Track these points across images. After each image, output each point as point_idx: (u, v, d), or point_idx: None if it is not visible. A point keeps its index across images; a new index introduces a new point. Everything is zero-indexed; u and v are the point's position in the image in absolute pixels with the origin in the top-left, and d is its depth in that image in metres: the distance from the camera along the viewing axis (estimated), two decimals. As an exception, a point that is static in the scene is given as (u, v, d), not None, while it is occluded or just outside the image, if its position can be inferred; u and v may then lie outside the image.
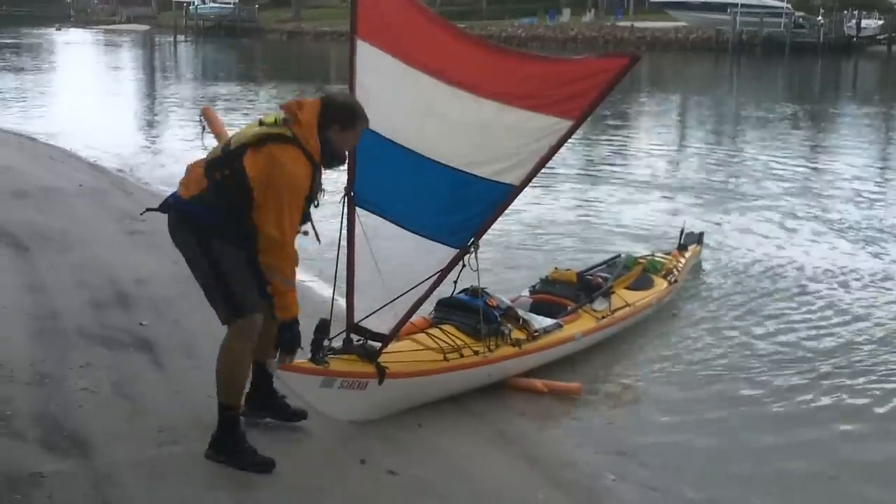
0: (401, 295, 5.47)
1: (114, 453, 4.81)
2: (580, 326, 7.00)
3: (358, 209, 5.48)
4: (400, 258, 5.63)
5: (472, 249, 5.44)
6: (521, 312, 6.59)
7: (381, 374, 5.36)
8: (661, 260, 8.79)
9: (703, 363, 7.12)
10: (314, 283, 7.79)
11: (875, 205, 13.59)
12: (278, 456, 4.83)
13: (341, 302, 5.64)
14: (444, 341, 5.92)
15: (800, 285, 9.24)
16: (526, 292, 7.55)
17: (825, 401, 6.52)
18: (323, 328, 5.20)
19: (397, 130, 5.48)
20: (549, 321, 6.77)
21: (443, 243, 5.48)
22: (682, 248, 9.49)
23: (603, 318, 7.24)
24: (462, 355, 5.92)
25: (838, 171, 16.51)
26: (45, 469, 4.56)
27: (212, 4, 77.98)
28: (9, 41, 58.52)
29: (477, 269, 5.48)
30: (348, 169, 5.47)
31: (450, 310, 6.24)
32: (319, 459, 5.07)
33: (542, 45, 56.82)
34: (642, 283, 8.10)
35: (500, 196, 5.33)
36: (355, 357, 5.38)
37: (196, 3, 77.78)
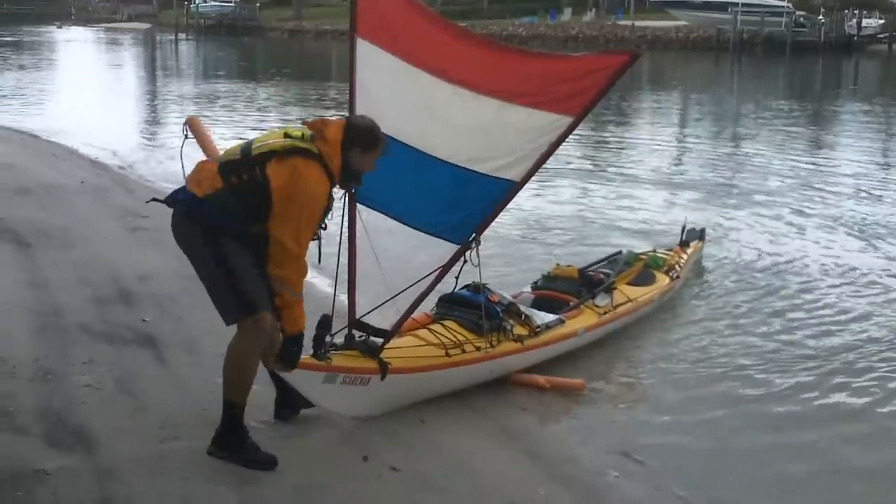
0: (402, 291, 5.48)
1: (117, 449, 4.82)
2: (582, 322, 7.00)
3: (359, 206, 5.49)
4: (401, 254, 5.65)
5: (474, 245, 5.47)
6: (522, 308, 6.60)
7: (384, 369, 5.36)
8: (663, 256, 8.79)
9: (705, 360, 7.12)
10: (316, 280, 7.75)
11: (877, 202, 13.59)
12: (281, 452, 4.83)
13: (343, 298, 5.64)
14: (447, 337, 5.92)
15: (802, 282, 9.24)
16: (528, 288, 7.55)
17: (827, 399, 6.51)
18: (325, 324, 5.21)
19: (398, 128, 5.48)
20: (551, 317, 6.77)
21: (444, 239, 5.51)
22: (683, 244, 9.49)
23: (605, 313, 7.24)
24: (464, 351, 5.92)
25: (840, 169, 16.51)
26: (49, 465, 4.57)
27: (213, 3, 77.89)
28: (11, 39, 58.52)
29: (478, 265, 5.49)
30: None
31: (452, 306, 6.25)
32: (322, 456, 5.07)
33: (543, 44, 56.74)
34: (644, 279, 8.11)
35: (500, 192, 5.36)
36: (357, 353, 5.38)
37: (197, 2, 77.69)
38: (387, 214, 5.56)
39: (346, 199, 5.47)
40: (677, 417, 6.15)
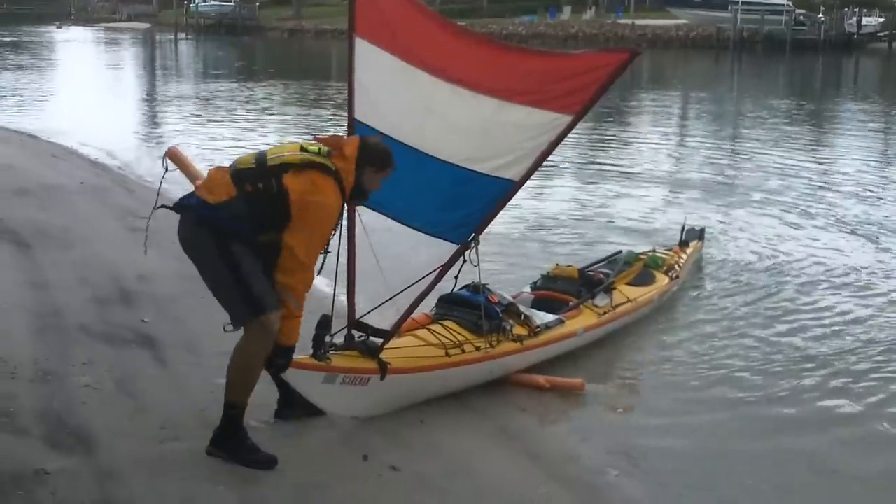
0: (402, 291, 5.49)
1: (117, 450, 4.82)
2: (582, 322, 7.01)
3: (358, 206, 5.49)
4: (401, 255, 5.66)
5: (473, 245, 5.48)
6: (522, 308, 6.60)
7: (383, 370, 5.36)
8: (663, 256, 8.79)
9: (705, 360, 7.11)
10: (315, 280, 7.78)
11: (878, 201, 13.57)
12: (281, 452, 4.84)
13: (342, 298, 5.64)
14: (446, 337, 5.93)
15: (802, 282, 9.23)
16: (527, 289, 7.55)
17: (828, 401, 6.50)
18: (324, 324, 5.21)
19: (397, 127, 5.50)
20: (550, 317, 6.77)
21: (443, 239, 5.51)
22: (683, 244, 9.50)
23: (605, 313, 7.24)
24: (464, 351, 5.92)
25: (840, 168, 16.51)
26: (49, 466, 4.57)
27: (212, 2, 77.82)
28: (10, 39, 58.50)
29: (478, 265, 5.50)
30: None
31: (451, 306, 6.25)
32: (321, 455, 5.07)
33: (543, 43, 56.74)
34: (644, 279, 8.11)
35: (500, 191, 5.37)
36: (357, 353, 5.39)
37: (197, 1, 77.66)
38: (386, 214, 5.56)
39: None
40: (677, 417, 6.14)
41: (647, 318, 7.87)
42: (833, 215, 12.43)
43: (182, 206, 4.75)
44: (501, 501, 4.84)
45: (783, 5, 58.06)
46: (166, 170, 5.09)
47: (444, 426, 5.61)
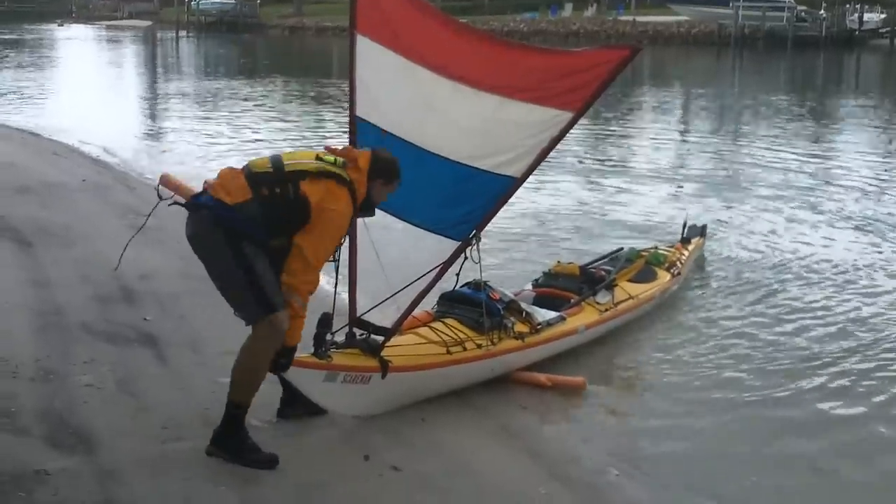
0: (403, 288, 5.49)
1: (118, 450, 4.81)
2: (583, 319, 7.00)
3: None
4: (402, 252, 5.67)
5: (474, 242, 5.48)
6: (524, 305, 6.59)
7: (385, 368, 5.36)
8: (664, 253, 8.78)
9: (707, 358, 7.11)
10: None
11: (880, 197, 13.55)
12: (282, 451, 4.84)
13: (344, 296, 5.64)
14: (447, 335, 5.92)
15: (805, 279, 9.22)
16: (529, 286, 7.54)
17: (830, 400, 6.48)
18: (325, 322, 5.21)
19: (398, 125, 5.51)
20: (552, 314, 6.77)
21: (444, 236, 5.52)
22: (685, 241, 9.49)
23: (606, 310, 7.24)
24: (465, 349, 5.91)
25: (842, 164, 16.46)
26: (50, 466, 4.56)
27: (213, 0, 77.85)
28: (11, 37, 58.50)
29: (479, 262, 5.50)
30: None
31: (452, 303, 6.24)
32: (323, 455, 5.07)
33: (545, 40, 56.68)
34: (645, 276, 8.11)
35: (501, 188, 5.37)
36: (358, 351, 5.38)
37: (198, -1, 77.71)
38: (387, 212, 5.55)
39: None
40: (678, 417, 6.13)
41: (649, 315, 7.86)
42: (835, 211, 12.41)
43: (197, 204, 4.75)
44: (502, 500, 4.83)
45: (785, 2, 57.89)
46: (160, 199, 5.03)
47: (446, 424, 5.61)
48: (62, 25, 79.90)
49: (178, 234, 4.82)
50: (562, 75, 5.24)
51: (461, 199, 5.49)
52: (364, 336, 5.51)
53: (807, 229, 11.44)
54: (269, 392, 5.19)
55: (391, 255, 5.55)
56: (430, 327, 6.01)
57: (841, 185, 14.32)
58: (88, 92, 28.33)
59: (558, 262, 7.90)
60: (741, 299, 8.55)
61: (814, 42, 56.15)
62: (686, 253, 9.10)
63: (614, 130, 20.69)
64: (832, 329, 7.79)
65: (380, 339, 5.49)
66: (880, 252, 10.43)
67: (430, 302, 6.14)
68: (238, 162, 5.16)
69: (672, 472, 5.39)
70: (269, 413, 5.29)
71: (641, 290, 7.78)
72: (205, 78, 35.43)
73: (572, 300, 7.19)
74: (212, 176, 4.88)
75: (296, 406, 5.32)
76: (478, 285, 6.14)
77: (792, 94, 31.04)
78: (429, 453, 5.21)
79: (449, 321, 6.11)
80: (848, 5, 62.51)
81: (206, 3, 77.37)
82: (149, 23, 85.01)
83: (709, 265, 9.71)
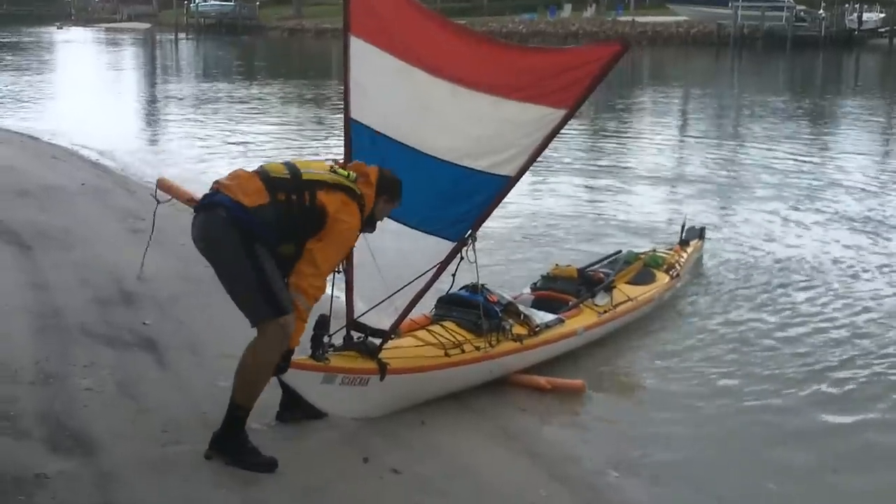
0: (400, 289, 5.50)
1: (118, 453, 4.81)
2: (582, 321, 7.01)
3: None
4: (398, 254, 5.66)
5: (470, 241, 5.49)
6: (521, 308, 6.60)
7: (383, 370, 5.36)
8: (663, 255, 8.78)
9: (706, 359, 7.12)
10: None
11: (879, 197, 13.56)
12: (281, 454, 4.84)
13: (341, 299, 5.64)
14: (446, 337, 5.92)
15: (804, 281, 9.22)
16: (527, 289, 7.55)
17: (829, 400, 6.49)
18: (322, 324, 5.21)
19: (393, 126, 5.54)
20: (550, 316, 6.77)
21: (440, 236, 5.54)
22: (683, 243, 9.49)
23: (605, 312, 7.24)
24: (463, 351, 5.92)
25: (841, 165, 16.45)
26: (50, 469, 4.56)
27: (213, 2, 77.74)
28: (10, 40, 58.51)
29: (475, 262, 5.52)
30: (344, 164, 5.54)
31: (450, 306, 6.24)
32: (322, 457, 5.07)
33: (543, 41, 56.71)
34: (644, 278, 8.11)
35: (496, 188, 5.40)
36: (356, 354, 5.39)
37: (197, 1, 77.64)
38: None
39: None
40: (678, 419, 6.13)
41: (648, 318, 7.87)
42: (835, 212, 12.41)
43: (212, 203, 4.74)
44: (502, 502, 4.84)
45: (784, 2, 57.95)
46: (158, 202, 5.05)
47: (445, 427, 5.61)
48: (61, 28, 80.00)
49: (176, 237, 4.83)
50: (555, 73, 5.26)
51: (457, 199, 5.51)
52: (361, 339, 5.51)
53: (806, 231, 11.43)
54: (268, 395, 5.18)
55: (387, 258, 5.56)
56: (428, 330, 6.01)
57: (840, 186, 14.32)
58: (87, 95, 28.34)
59: (556, 264, 7.90)
60: (741, 302, 8.54)
61: (813, 42, 56.19)
62: (685, 255, 9.10)
63: (613, 132, 20.69)
64: (832, 333, 7.76)
65: (377, 341, 5.50)
66: (880, 253, 10.42)
67: (427, 305, 6.15)
68: (238, 164, 5.18)
69: (671, 473, 5.38)
70: (269, 416, 5.29)
71: (640, 293, 7.79)
72: (204, 80, 35.41)
73: (570, 302, 7.20)
74: (211, 177, 4.89)
75: (295, 409, 5.33)
76: (475, 288, 6.15)
77: (791, 94, 31.05)
78: (428, 456, 5.22)
79: (447, 324, 6.11)
80: (847, 5, 62.55)
81: (205, 6, 77.42)
82: (148, 25, 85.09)
83: (707, 268, 9.70)
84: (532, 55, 5.71)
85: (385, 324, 5.59)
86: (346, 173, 4.96)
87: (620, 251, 8.80)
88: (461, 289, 6.19)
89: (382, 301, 5.51)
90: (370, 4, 5.60)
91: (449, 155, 5.45)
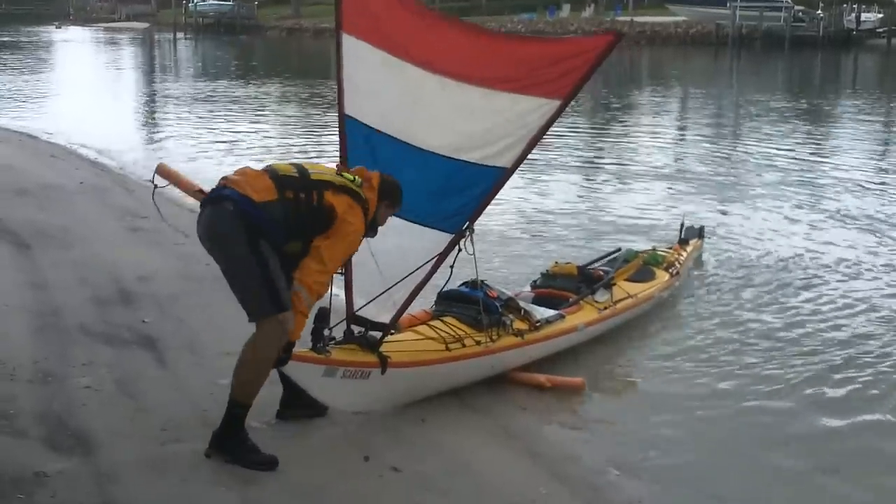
0: (398, 282, 5.50)
1: (117, 452, 4.80)
2: (582, 317, 6.99)
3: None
4: (396, 247, 5.66)
5: (468, 233, 5.48)
6: (522, 303, 6.59)
7: (384, 363, 5.35)
8: (663, 254, 8.78)
9: (706, 357, 7.10)
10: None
11: (877, 196, 13.55)
12: (282, 452, 4.82)
13: (340, 297, 5.63)
14: (446, 332, 5.91)
15: (803, 279, 9.21)
16: (527, 287, 7.54)
17: (830, 399, 6.46)
18: (323, 317, 5.20)
19: (387, 121, 5.56)
20: (551, 312, 6.76)
21: (438, 229, 5.55)
22: (683, 242, 9.48)
23: (605, 309, 7.23)
24: (464, 345, 5.90)
25: (840, 163, 16.46)
26: (49, 468, 4.55)
27: (211, 1, 77.74)
28: (9, 39, 58.48)
29: (473, 254, 5.52)
30: (340, 160, 5.57)
31: (450, 302, 6.23)
32: (323, 455, 5.06)
33: (542, 40, 56.73)
34: (644, 276, 8.10)
35: (492, 179, 5.41)
36: (357, 347, 5.37)
37: (195, 1, 77.65)
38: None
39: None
40: (678, 416, 6.11)
41: (648, 316, 7.85)
42: (833, 210, 12.40)
43: (221, 196, 4.75)
44: (502, 500, 4.82)
45: (782, 2, 57.99)
46: (156, 187, 5.06)
47: (446, 425, 5.60)
48: (60, 28, 79.95)
49: (175, 235, 4.81)
50: (548, 64, 5.27)
51: (453, 192, 5.53)
52: (362, 332, 5.50)
53: (805, 230, 11.42)
54: (268, 393, 5.17)
55: (385, 251, 5.55)
56: (429, 325, 6.00)
57: (838, 184, 14.32)
58: (86, 94, 28.34)
59: (556, 262, 7.89)
60: (740, 300, 8.52)
61: (811, 42, 56.24)
62: (684, 254, 9.10)
63: (613, 131, 20.70)
64: (833, 334, 7.71)
65: (378, 335, 5.48)
66: (878, 249, 10.42)
67: (428, 301, 6.14)
68: (236, 162, 5.18)
69: (672, 471, 5.37)
70: (269, 414, 5.28)
71: (640, 290, 7.78)
72: (202, 80, 35.39)
73: (571, 299, 7.19)
74: (210, 175, 4.88)
75: (295, 407, 5.32)
76: (475, 284, 6.14)
77: (789, 94, 31.06)
78: (429, 454, 5.20)
79: (447, 319, 6.09)
80: (845, 5, 62.58)
81: (203, 5, 77.43)
82: (146, 25, 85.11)
83: (707, 267, 9.69)
84: (524, 45, 5.76)
85: (385, 318, 5.58)
86: (351, 177, 4.99)
87: (620, 249, 8.80)
88: (461, 285, 6.18)
89: (381, 294, 5.51)
90: (363, 2, 5.61)
91: (442, 149, 5.47)
